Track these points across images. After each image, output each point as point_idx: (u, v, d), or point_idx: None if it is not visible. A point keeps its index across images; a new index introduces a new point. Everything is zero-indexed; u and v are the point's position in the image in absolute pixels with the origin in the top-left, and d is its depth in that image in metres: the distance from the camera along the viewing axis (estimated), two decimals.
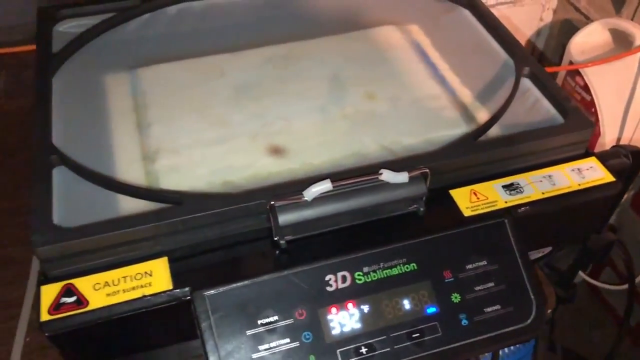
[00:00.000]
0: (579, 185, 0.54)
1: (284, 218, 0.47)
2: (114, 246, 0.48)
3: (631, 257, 0.82)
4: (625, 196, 1.11)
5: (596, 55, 0.98)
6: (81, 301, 0.46)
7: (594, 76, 0.96)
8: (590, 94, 0.96)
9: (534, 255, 0.63)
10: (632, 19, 1.00)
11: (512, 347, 0.67)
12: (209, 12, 0.74)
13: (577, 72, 0.97)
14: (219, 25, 0.72)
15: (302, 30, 0.71)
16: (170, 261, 0.48)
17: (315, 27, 0.72)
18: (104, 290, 0.47)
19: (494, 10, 1.10)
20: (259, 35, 0.71)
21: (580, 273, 1.13)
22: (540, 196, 0.53)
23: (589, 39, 1.00)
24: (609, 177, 0.54)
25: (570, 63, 0.98)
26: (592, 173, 0.54)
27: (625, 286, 0.89)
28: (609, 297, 1.23)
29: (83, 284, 0.47)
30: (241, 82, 0.64)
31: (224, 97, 0.63)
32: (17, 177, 0.76)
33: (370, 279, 0.48)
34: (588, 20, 1.08)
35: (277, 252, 0.49)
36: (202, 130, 0.59)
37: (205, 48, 0.68)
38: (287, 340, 0.46)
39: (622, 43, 0.96)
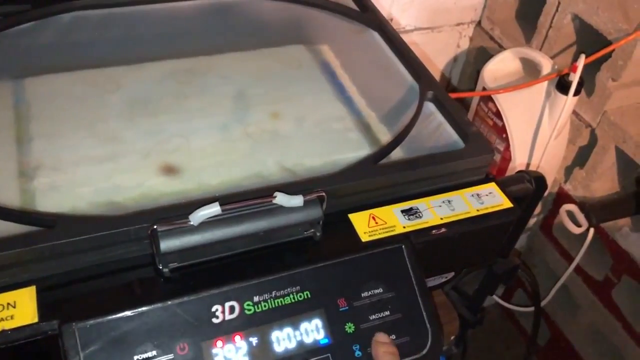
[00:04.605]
0: (478, 210, 0.53)
1: (166, 244, 0.44)
2: None
3: (536, 279, 0.83)
4: (535, 220, 1.14)
5: (507, 82, 1.00)
6: None
7: (505, 102, 0.98)
8: (502, 120, 0.99)
9: (439, 280, 0.62)
10: (540, 49, 1.04)
11: None
12: (107, 21, 0.69)
13: (490, 98, 1.00)
14: (118, 36, 0.68)
15: (208, 45, 0.68)
16: (40, 291, 0.44)
17: (222, 42, 0.69)
18: None
19: (412, 35, 1.13)
20: (162, 48, 0.67)
21: (494, 296, 1.15)
22: (439, 221, 0.51)
23: (501, 67, 1.02)
24: (507, 203, 0.54)
25: (484, 89, 1.00)
26: (491, 199, 0.54)
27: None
28: (521, 319, 1.26)
29: None
30: (138, 97, 0.60)
31: (117, 112, 0.59)
32: None
33: (260, 309, 0.46)
34: (501, 48, 1.11)
35: (160, 280, 0.46)
36: (90, 147, 0.55)
37: (102, 60, 0.64)
38: None
39: (531, 71, 0.99)
